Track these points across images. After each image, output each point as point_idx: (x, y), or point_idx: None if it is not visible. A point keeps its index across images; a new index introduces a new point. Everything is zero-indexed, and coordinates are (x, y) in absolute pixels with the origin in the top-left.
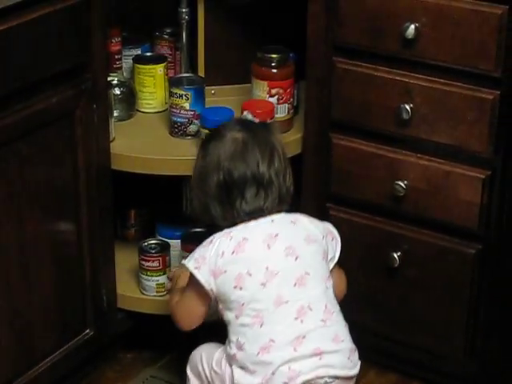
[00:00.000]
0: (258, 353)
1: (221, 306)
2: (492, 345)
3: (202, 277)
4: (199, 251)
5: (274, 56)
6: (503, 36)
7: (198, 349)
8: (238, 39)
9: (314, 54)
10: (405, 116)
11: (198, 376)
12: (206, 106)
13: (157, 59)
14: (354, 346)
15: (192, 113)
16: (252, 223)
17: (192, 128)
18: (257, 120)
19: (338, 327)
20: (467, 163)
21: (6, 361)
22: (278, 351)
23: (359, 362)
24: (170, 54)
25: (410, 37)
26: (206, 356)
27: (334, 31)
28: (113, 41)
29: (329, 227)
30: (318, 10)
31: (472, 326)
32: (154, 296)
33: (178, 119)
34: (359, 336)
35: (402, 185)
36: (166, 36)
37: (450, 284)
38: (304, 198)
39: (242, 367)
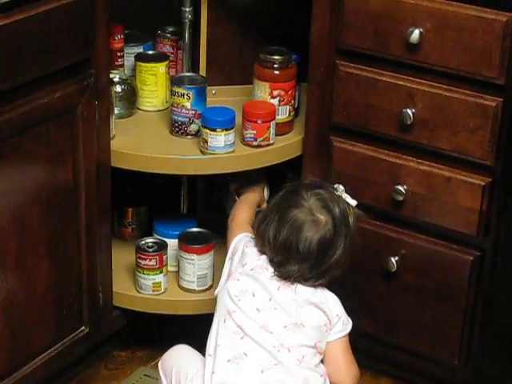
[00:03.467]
0: (229, 360)
1: (217, 308)
2: (487, 351)
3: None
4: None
5: (276, 57)
6: (507, 43)
7: (171, 353)
8: (241, 39)
9: (316, 57)
10: (407, 121)
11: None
12: (207, 106)
13: (159, 58)
14: None
15: (193, 112)
16: None
17: (193, 127)
18: (346, 198)
19: (311, 374)
20: (468, 170)
21: (1, 357)
22: (247, 365)
23: None
24: (172, 53)
25: (414, 42)
26: (178, 371)
27: (338, 34)
28: (115, 38)
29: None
30: (321, 12)
31: (468, 332)
32: (150, 295)
33: (179, 118)
34: (354, 340)
35: (402, 189)
36: (168, 35)
37: (447, 290)
38: None
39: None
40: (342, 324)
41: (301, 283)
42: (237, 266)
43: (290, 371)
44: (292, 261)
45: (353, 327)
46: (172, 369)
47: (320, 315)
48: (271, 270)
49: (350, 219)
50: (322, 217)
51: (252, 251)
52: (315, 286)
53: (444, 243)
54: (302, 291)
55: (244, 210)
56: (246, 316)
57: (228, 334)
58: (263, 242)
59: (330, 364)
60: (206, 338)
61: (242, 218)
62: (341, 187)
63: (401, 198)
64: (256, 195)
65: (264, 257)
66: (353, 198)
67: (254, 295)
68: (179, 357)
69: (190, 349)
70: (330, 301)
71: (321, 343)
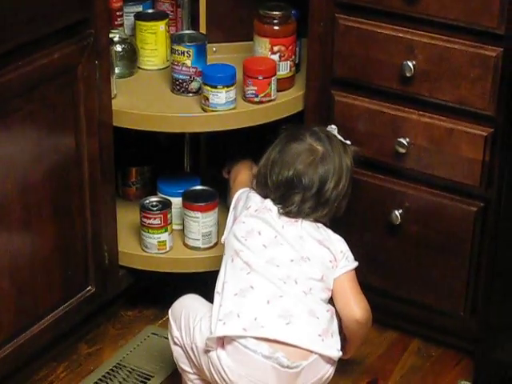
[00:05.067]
0: (236, 294)
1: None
2: (493, 302)
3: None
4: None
5: (276, 13)
6: None
7: (181, 300)
8: None
9: (316, 11)
10: (408, 73)
11: (179, 329)
12: (208, 63)
13: (158, 16)
14: (328, 332)
15: (194, 70)
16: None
17: (193, 85)
18: (340, 137)
19: (317, 306)
20: (469, 121)
21: (9, 317)
22: (253, 297)
23: (334, 351)
24: (172, 11)
25: None
26: (187, 314)
27: None
28: None
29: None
30: None
31: (473, 284)
32: (156, 253)
33: (180, 76)
34: None
35: (404, 142)
36: None
37: (452, 241)
38: None
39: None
40: (347, 260)
41: (304, 219)
42: (241, 210)
43: (295, 302)
44: (294, 191)
45: (358, 281)
46: (181, 313)
47: (325, 251)
48: (275, 209)
49: (348, 156)
50: (320, 147)
51: (255, 195)
52: (317, 222)
53: (447, 195)
54: (307, 227)
55: (243, 171)
56: (252, 253)
57: (235, 271)
58: (265, 183)
59: (339, 298)
60: (213, 295)
61: (242, 178)
62: (333, 126)
63: (403, 151)
64: (249, 161)
65: (267, 200)
66: (346, 139)
67: (260, 233)
68: (188, 302)
69: (198, 296)
70: (333, 239)
71: (328, 278)
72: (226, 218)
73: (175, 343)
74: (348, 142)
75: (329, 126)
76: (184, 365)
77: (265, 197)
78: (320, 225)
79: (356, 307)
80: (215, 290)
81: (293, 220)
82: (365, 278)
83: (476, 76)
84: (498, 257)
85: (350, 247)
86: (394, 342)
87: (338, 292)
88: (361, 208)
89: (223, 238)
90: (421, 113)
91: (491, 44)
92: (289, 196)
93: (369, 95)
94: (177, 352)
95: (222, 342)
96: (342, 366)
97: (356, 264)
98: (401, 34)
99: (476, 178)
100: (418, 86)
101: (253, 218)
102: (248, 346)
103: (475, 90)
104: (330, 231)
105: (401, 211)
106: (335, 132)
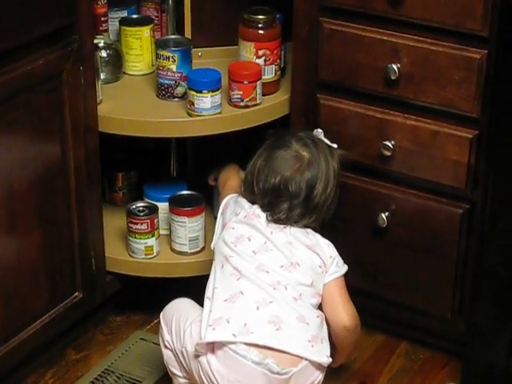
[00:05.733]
0: (226, 300)
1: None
2: (480, 304)
3: (222, 210)
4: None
5: (260, 17)
6: None
7: (172, 304)
8: (225, 0)
9: (300, 15)
10: (392, 76)
11: (170, 333)
12: (193, 68)
13: (143, 21)
14: (318, 338)
15: (179, 74)
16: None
17: (179, 90)
18: (326, 141)
19: (307, 312)
20: (454, 123)
21: None
22: (243, 303)
23: (324, 357)
24: (157, 16)
25: None
26: (178, 318)
27: None
28: (99, 3)
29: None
30: None
31: (460, 286)
32: (143, 258)
33: (165, 81)
34: None
35: (390, 145)
36: None
37: (438, 243)
38: None
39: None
40: (336, 265)
41: (292, 225)
42: (230, 216)
43: (285, 308)
44: (282, 199)
45: (346, 284)
46: (173, 316)
47: (314, 257)
48: (263, 216)
49: (334, 159)
50: (306, 154)
51: (244, 201)
52: (306, 227)
53: (433, 197)
54: (295, 233)
55: (231, 177)
56: (242, 259)
57: (225, 277)
58: (252, 190)
59: (328, 304)
60: (200, 300)
61: (231, 183)
62: (319, 130)
63: (389, 154)
64: (235, 166)
65: (255, 206)
66: (332, 142)
67: (249, 239)
68: (180, 306)
69: (190, 300)
70: (322, 244)
71: (317, 284)
72: (213, 223)
73: (166, 347)
74: (334, 146)
75: (315, 130)
76: (174, 368)
77: (253, 203)
78: (309, 230)
79: (344, 314)
80: (205, 296)
81: (281, 226)
82: (351, 280)
83: (461, 78)
84: (484, 258)
85: (336, 250)
86: (382, 344)
87: (326, 298)
88: (347, 211)
89: (212, 243)
90: (406, 115)
91: (475, 46)
92: (276, 204)
93: (354, 98)
94: (167, 356)
95: (212, 347)
96: (331, 369)
97: (345, 269)
98: (385, 37)
99: (461, 180)
100: (402, 88)
101: (242, 224)
102: (238, 352)
103: (460, 92)
104: (319, 236)
105: (387, 214)
106: (321, 136)
